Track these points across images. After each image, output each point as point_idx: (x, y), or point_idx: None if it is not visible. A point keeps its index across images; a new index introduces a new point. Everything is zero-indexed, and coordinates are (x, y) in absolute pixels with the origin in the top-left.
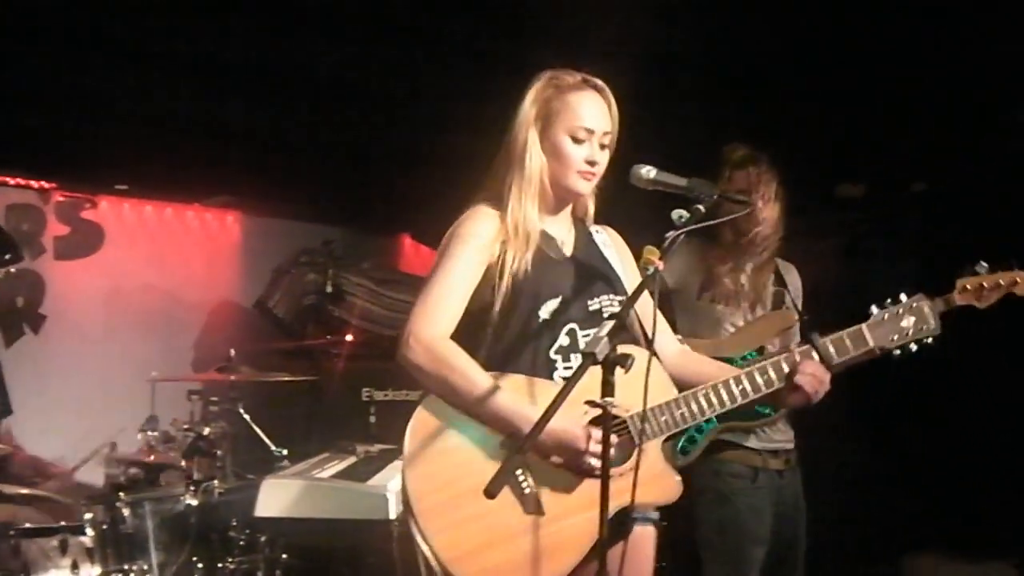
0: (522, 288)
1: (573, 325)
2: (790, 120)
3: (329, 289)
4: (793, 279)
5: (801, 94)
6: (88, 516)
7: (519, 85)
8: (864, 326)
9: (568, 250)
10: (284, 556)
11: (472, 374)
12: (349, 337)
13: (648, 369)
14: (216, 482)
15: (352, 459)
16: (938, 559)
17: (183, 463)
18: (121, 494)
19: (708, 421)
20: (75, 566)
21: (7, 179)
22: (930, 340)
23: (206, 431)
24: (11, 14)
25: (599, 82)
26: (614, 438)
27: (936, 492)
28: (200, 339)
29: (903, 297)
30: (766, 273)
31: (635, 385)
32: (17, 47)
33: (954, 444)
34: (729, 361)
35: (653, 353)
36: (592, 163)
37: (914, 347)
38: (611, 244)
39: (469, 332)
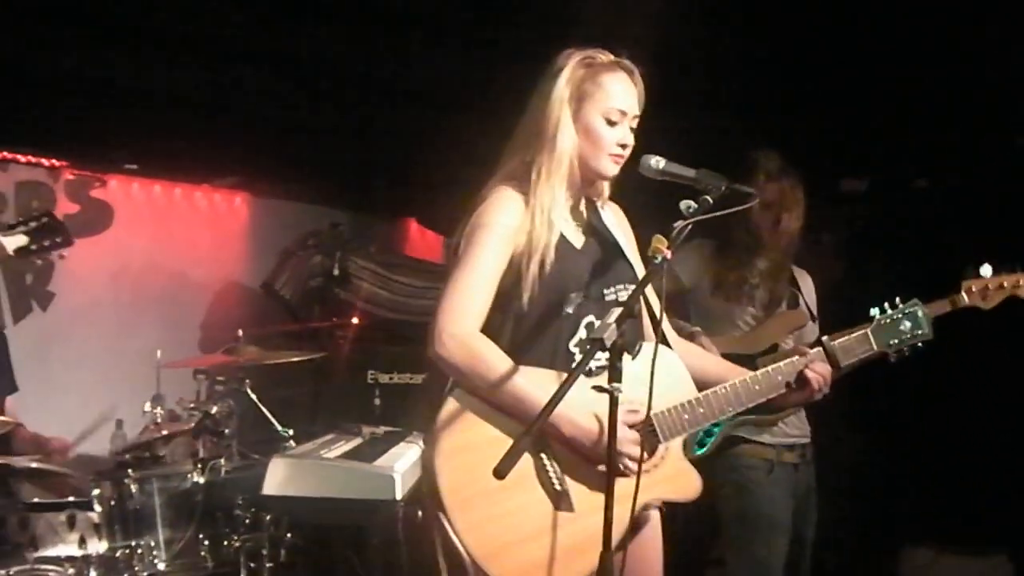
0: (548, 282)
1: (591, 318)
2: (794, 116)
3: (336, 272)
4: (807, 285)
5: (804, 90)
6: (96, 492)
7: (525, 70)
8: (868, 330)
9: (582, 234)
10: (288, 535)
11: (507, 370)
12: (355, 320)
13: (655, 355)
14: (222, 461)
15: (358, 440)
16: (935, 551)
17: (192, 441)
18: (129, 471)
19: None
20: (82, 541)
21: (17, 157)
22: (921, 345)
23: (213, 410)
24: None
25: (630, 63)
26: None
27: (934, 485)
28: (207, 319)
29: (898, 301)
30: (782, 276)
31: (660, 382)
32: (29, 27)
33: (952, 438)
34: (747, 358)
35: (663, 337)
36: (624, 145)
37: (906, 351)
38: (617, 222)
39: (488, 321)
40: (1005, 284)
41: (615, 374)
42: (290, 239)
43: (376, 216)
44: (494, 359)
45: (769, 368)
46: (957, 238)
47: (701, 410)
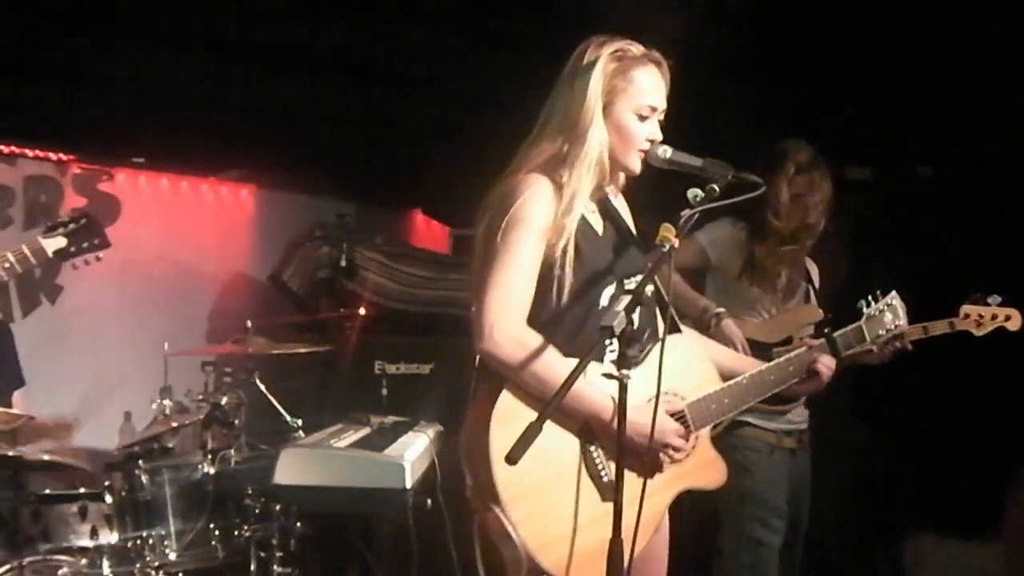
0: (583, 275)
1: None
2: (798, 104)
3: (343, 263)
4: (816, 276)
5: (809, 79)
6: (107, 483)
7: (532, 63)
8: (863, 323)
9: (601, 224)
10: (298, 525)
11: (559, 365)
12: (362, 311)
13: (663, 341)
14: (232, 451)
15: (366, 430)
16: (939, 539)
17: (201, 432)
18: (140, 462)
19: None
20: (94, 532)
21: (25, 151)
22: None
23: (223, 401)
24: None
25: (659, 55)
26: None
27: (937, 473)
28: (214, 311)
29: (879, 294)
30: (800, 268)
31: (692, 372)
32: (35, 22)
33: (956, 425)
34: (762, 347)
35: (674, 322)
36: (652, 141)
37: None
38: (625, 209)
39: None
40: (997, 315)
41: (623, 361)
42: (297, 231)
43: (382, 208)
44: (547, 355)
45: (781, 360)
46: (960, 226)
47: (727, 400)
